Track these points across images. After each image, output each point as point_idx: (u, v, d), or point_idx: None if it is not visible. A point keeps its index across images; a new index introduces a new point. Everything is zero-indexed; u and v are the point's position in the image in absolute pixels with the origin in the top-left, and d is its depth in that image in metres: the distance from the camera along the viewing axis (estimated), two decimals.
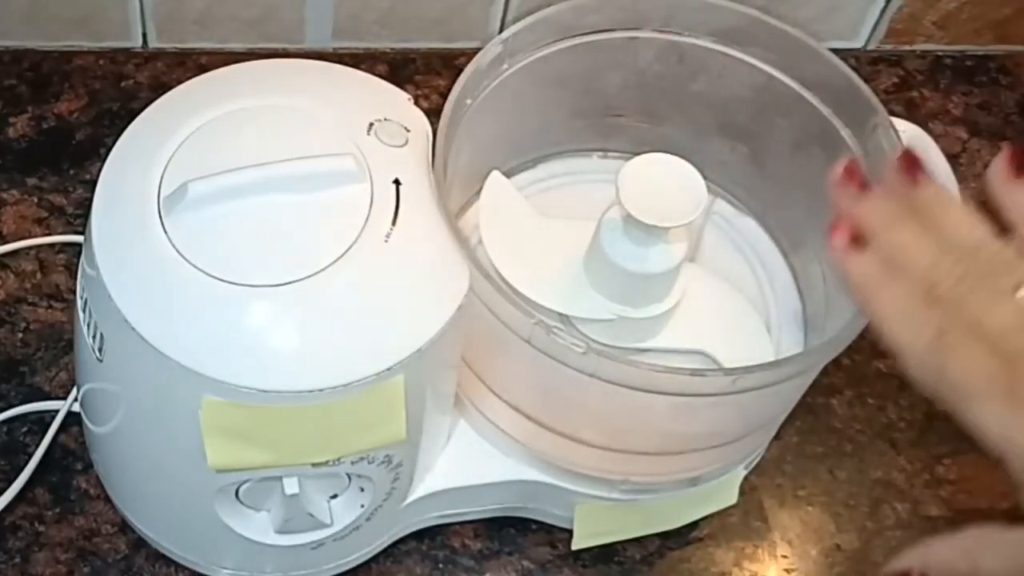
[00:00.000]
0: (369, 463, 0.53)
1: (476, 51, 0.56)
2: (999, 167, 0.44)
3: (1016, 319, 0.42)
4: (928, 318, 0.42)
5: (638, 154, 0.55)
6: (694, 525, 0.65)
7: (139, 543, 0.62)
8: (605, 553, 0.64)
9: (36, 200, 0.72)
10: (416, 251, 0.50)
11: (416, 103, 0.55)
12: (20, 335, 0.68)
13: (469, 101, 0.57)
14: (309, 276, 0.48)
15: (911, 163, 0.45)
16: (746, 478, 0.64)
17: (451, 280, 0.51)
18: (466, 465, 0.61)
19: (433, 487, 0.60)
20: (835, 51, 0.58)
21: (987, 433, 0.41)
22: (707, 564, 0.65)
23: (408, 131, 0.53)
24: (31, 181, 0.73)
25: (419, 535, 0.63)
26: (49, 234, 0.71)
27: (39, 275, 0.70)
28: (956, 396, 0.42)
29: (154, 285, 0.48)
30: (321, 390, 0.48)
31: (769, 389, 0.53)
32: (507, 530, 0.64)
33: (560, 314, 0.58)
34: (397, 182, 0.51)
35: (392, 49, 0.81)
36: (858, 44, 0.85)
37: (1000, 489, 0.68)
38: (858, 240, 0.45)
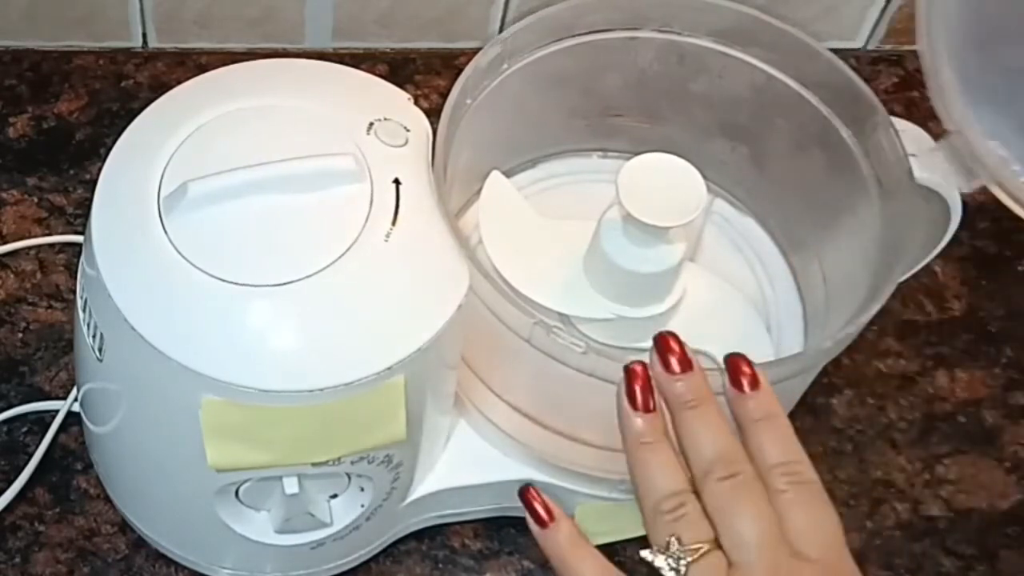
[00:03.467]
0: (369, 463, 0.53)
1: (476, 51, 0.56)
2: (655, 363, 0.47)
3: None
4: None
5: (638, 154, 0.55)
6: None
7: (139, 543, 0.62)
8: (605, 553, 0.64)
9: (36, 200, 0.72)
10: (416, 251, 0.50)
11: (416, 103, 0.55)
12: (20, 335, 0.68)
13: (469, 101, 0.57)
14: (309, 276, 0.48)
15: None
16: None
17: (451, 280, 0.51)
18: (466, 465, 0.61)
19: (433, 487, 0.60)
20: (835, 51, 0.58)
21: None
22: None
23: (408, 131, 0.53)
24: (31, 181, 0.73)
25: (419, 535, 0.63)
26: (49, 234, 0.71)
27: (39, 275, 0.70)
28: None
29: (154, 285, 0.48)
30: (321, 390, 0.48)
31: None
32: (507, 530, 0.64)
33: (560, 314, 0.58)
34: (397, 182, 0.51)
35: (392, 49, 0.81)
36: (858, 44, 0.85)
37: (1000, 489, 0.68)
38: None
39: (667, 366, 0.46)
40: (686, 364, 0.46)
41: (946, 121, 0.54)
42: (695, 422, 0.45)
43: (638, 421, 0.46)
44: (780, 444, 0.45)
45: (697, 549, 0.43)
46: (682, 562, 0.43)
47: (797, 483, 0.44)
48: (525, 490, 0.49)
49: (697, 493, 0.44)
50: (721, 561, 0.43)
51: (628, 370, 0.47)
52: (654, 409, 0.46)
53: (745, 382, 0.46)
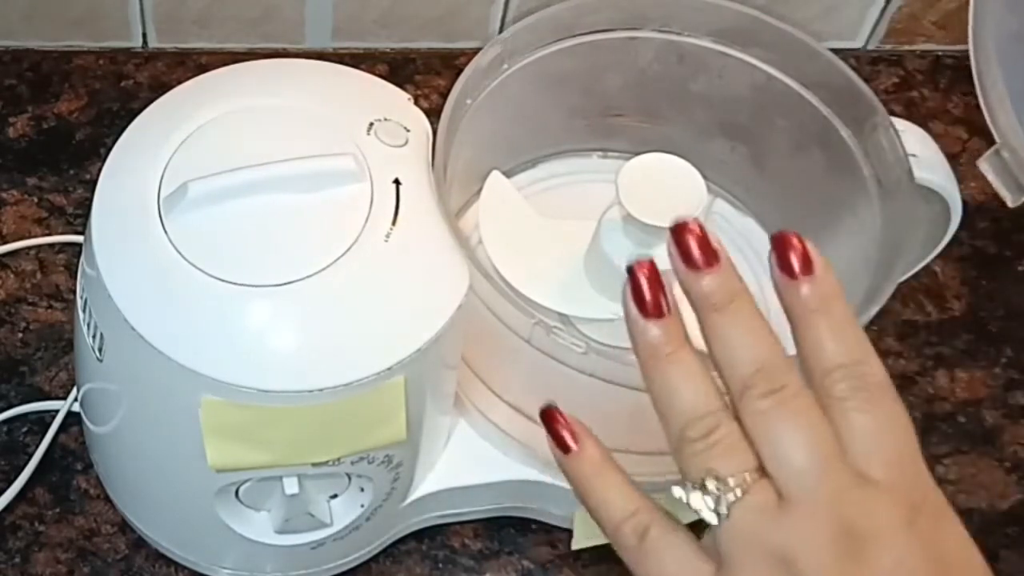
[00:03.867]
0: (369, 463, 0.53)
1: (476, 51, 0.56)
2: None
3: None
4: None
5: (638, 154, 0.55)
6: (695, 525, 0.65)
7: (139, 543, 0.62)
8: (605, 553, 0.64)
9: (36, 200, 0.72)
10: (416, 251, 0.50)
11: (416, 103, 0.55)
12: (20, 335, 0.68)
13: (469, 101, 0.57)
14: (309, 276, 0.48)
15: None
16: None
17: (451, 280, 0.51)
18: (466, 465, 0.61)
19: (433, 487, 0.60)
20: (835, 51, 0.58)
21: None
22: None
23: (408, 131, 0.53)
24: (31, 181, 0.73)
25: (419, 535, 0.63)
26: (49, 234, 0.71)
27: (39, 275, 0.70)
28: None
29: (154, 285, 0.48)
30: (321, 390, 0.48)
31: None
32: (507, 530, 0.64)
33: (560, 314, 0.58)
34: (397, 182, 0.51)
35: (392, 49, 0.81)
36: (858, 44, 0.85)
37: (1000, 489, 0.68)
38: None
39: (688, 259, 0.37)
40: (711, 255, 0.37)
41: (994, 133, 0.53)
42: (728, 326, 0.37)
43: (652, 329, 0.38)
44: (842, 339, 0.37)
45: (739, 485, 0.36)
46: (723, 501, 0.36)
47: (862, 387, 0.37)
48: (547, 411, 0.42)
49: (734, 414, 0.37)
50: (770, 494, 0.36)
51: (633, 269, 0.38)
52: (669, 313, 0.38)
53: (796, 262, 0.37)
